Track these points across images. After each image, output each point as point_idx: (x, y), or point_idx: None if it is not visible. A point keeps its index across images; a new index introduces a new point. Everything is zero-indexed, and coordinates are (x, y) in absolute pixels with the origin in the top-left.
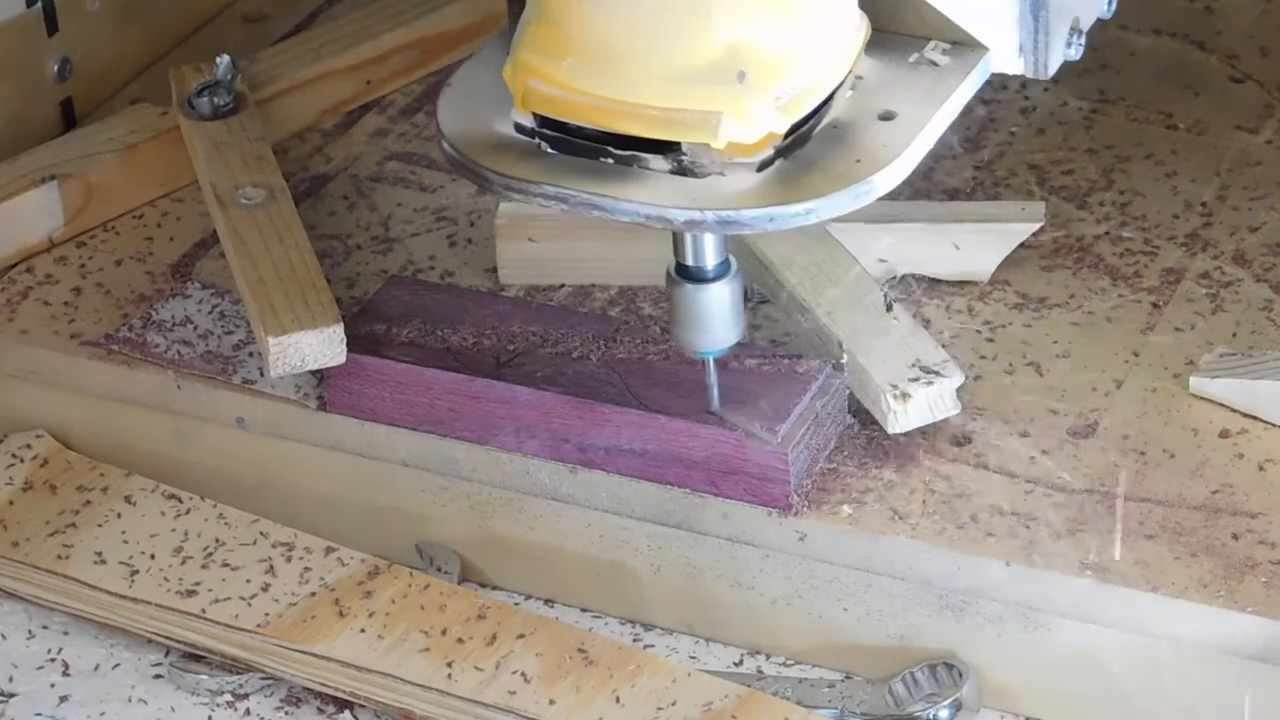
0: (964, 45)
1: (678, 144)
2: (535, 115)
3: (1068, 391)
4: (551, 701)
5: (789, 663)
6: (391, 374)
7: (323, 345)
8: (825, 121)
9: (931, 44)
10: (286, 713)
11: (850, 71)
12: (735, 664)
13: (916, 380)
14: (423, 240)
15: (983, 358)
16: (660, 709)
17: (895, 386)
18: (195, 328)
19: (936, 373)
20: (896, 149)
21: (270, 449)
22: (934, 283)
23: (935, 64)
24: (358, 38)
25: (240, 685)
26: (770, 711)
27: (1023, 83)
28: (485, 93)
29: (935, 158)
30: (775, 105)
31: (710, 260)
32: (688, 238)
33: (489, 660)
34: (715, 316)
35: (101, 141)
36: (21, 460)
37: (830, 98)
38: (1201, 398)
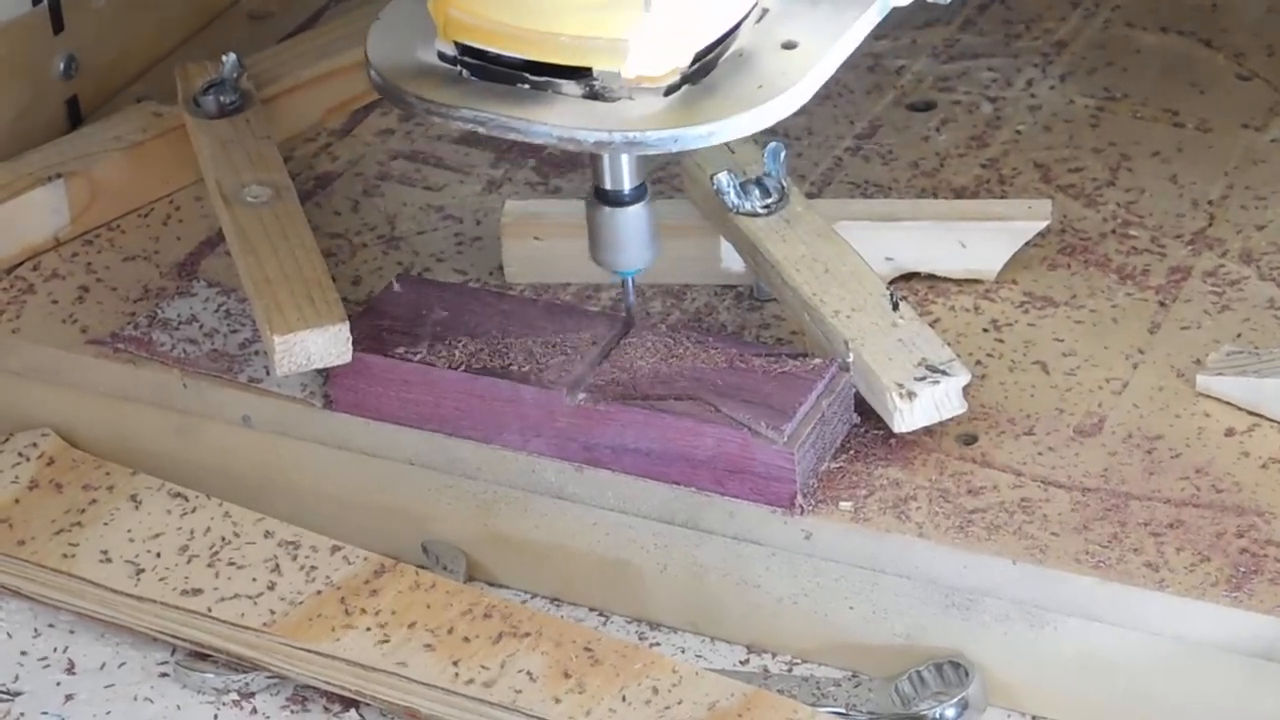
0: None
1: (589, 70)
2: (456, 43)
3: (1073, 390)
4: (557, 700)
5: (795, 661)
6: (397, 373)
7: (328, 344)
8: (731, 50)
9: None
10: (292, 711)
11: (756, 3)
12: (741, 663)
13: (922, 379)
14: (428, 239)
15: (989, 356)
16: (666, 708)
17: (901, 385)
18: (201, 326)
19: (942, 371)
20: (796, 76)
21: (276, 447)
22: (940, 281)
23: None
24: (364, 36)
25: (246, 684)
26: (776, 710)
27: (1029, 80)
28: (412, 24)
29: (942, 157)
30: (681, 34)
31: (626, 184)
32: (605, 161)
33: (495, 659)
34: (632, 238)
35: (107, 140)
36: (27, 459)
37: (736, 27)
38: (1207, 396)
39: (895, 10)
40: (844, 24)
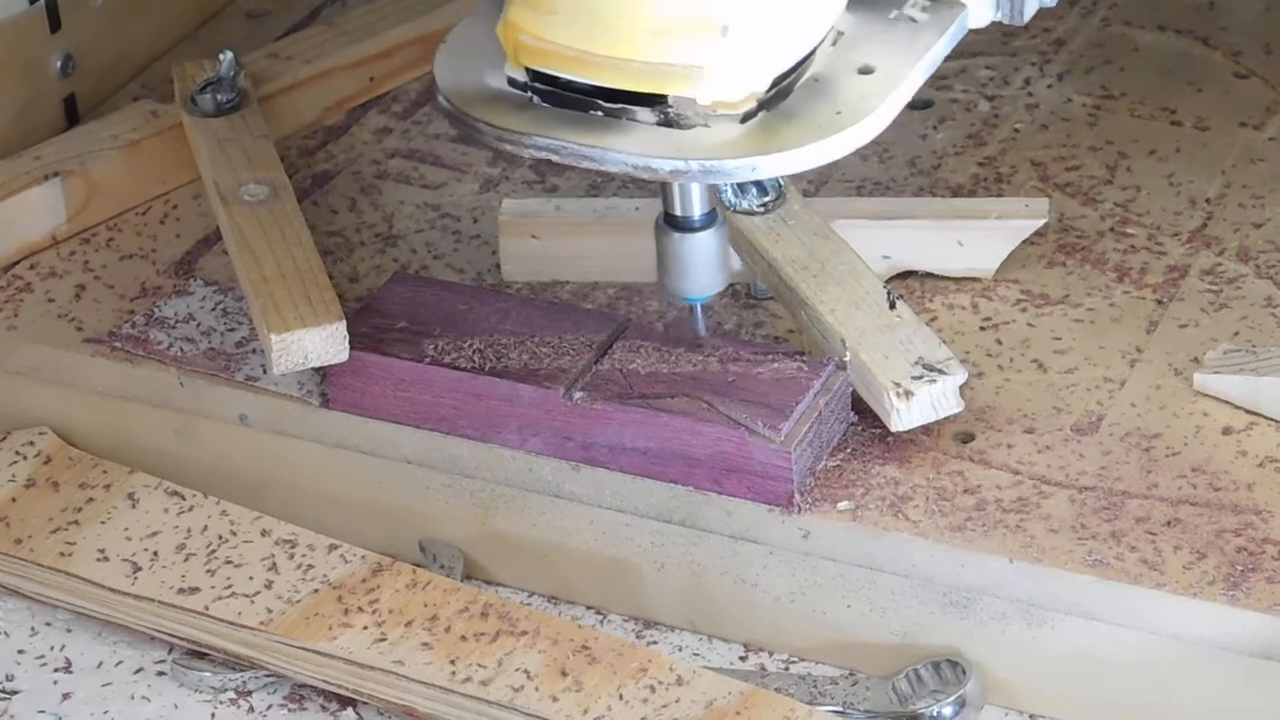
0: (941, 2)
1: (664, 97)
2: (527, 69)
3: (1071, 388)
4: (554, 699)
5: (792, 660)
6: (394, 371)
7: (325, 342)
8: (807, 75)
9: (910, 0)
10: (290, 710)
11: (832, 27)
12: (740, 659)
13: (920, 378)
14: (425, 237)
15: (986, 355)
16: (664, 706)
17: (898, 384)
18: (198, 325)
19: (940, 370)
20: (875, 102)
21: (273, 446)
22: (938, 280)
23: (914, 20)
24: (361, 34)
25: (243, 683)
26: (773, 708)
27: (1026, 79)
28: (480, 49)
29: (940, 155)
30: (758, 59)
31: (697, 210)
32: (675, 188)
33: (492, 658)
34: (701, 264)
35: (104, 138)
36: (25, 457)
37: (812, 53)
38: (1205, 394)
39: None
40: (921, 48)
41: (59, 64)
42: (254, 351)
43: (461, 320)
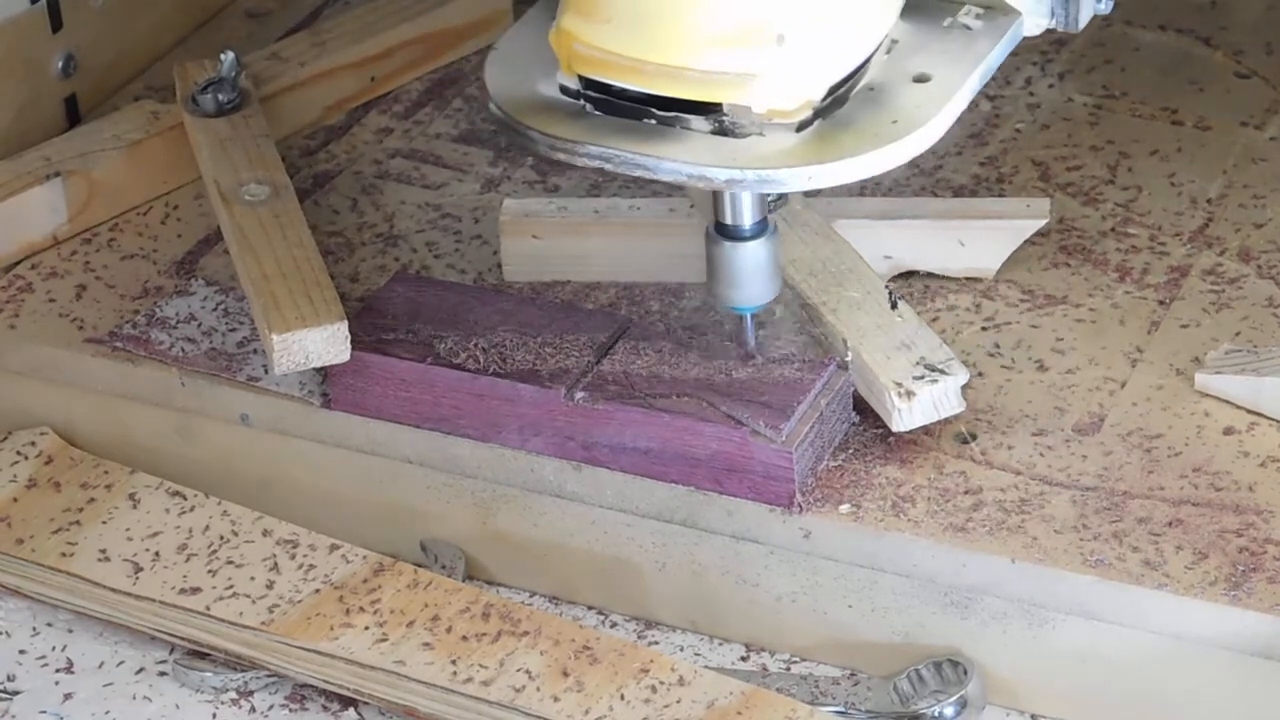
0: (996, 10)
1: (719, 105)
2: (579, 77)
3: (1072, 388)
4: (556, 699)
5: (793, 659)
6: (395, 371)
7: (327, 342)
8: (862, 84)
9: (965, 8)
10: (291, 710)
11: (886, 35)
12: (742, 659)
13: (921, 378)
14: (426, 237)
15: (988, 355)
16: (665, 706)
17: (900, 384)
18: (199, 325)
19: (941, 370)
20: (931, 110)
21: (274, 446)
22: (939, 279)
23: (968, 28)
24: (362, 34)
25: (245, 683)
26: (775, 708)
27: (1028, 78)
28: (530, 56)
29: (940, 155)
30: (814, 67)
31: (747, 219)
32: (726, 197)
33: (493, 658)
34: (751, 273)
35: (105, 138)
36: (26, 457)
37: (867, 61)
38: (1207, 394)
39: None
40: (977, 56)
41: (60, 64)
42: (255, 351)
43: (463, 320)
